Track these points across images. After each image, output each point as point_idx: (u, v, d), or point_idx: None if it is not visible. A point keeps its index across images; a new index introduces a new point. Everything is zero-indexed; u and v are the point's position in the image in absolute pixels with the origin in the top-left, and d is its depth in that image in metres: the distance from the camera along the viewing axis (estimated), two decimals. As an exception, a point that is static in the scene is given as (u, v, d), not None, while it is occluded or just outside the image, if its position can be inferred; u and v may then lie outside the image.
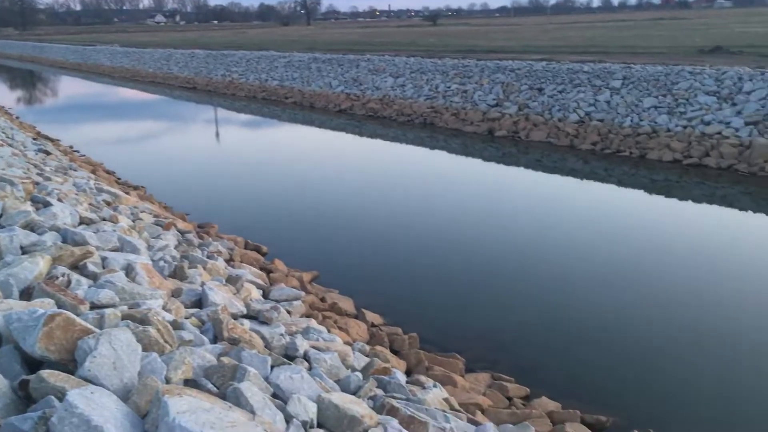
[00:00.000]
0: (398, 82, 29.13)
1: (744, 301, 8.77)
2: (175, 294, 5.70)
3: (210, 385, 3.67)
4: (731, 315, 8.36)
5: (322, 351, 5.04)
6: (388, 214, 13.23)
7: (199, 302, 5.64)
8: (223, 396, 3.44)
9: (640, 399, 6.20)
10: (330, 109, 29.74)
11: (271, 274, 8.62)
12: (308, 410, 3.60)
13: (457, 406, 4.99)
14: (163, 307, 4.88)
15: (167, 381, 3.49)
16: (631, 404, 6.07)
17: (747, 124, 17.29)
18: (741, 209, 14.10)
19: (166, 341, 3.91)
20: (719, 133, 17.49)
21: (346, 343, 6.01)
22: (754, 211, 13.98)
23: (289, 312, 6.62)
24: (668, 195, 15.20)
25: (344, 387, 4.53)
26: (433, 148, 21.48)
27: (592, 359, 7.03)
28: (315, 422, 3.62)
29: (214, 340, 4.66)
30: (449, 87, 26.68)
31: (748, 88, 18.92)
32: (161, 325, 3.99)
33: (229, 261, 8.76)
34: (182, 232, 9.40)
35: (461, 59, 30.54)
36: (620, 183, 16.48)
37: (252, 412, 3.37)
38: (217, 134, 25.67)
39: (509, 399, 5.98)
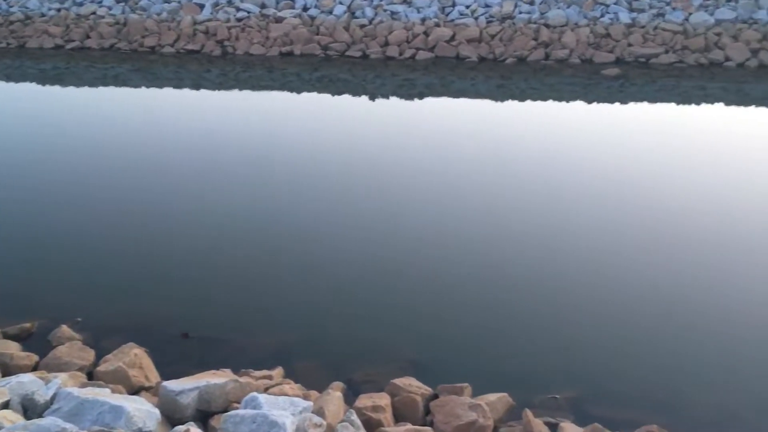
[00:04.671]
0: None
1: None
2: None
3: None
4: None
5: None
6: None
7: None
8: None
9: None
10: None
11: None
12: None
13: None
14: None
15: None
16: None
17: (118, 2, 17.85)
18: (121, 85, 14.85)
19: None
20: (94, 13, 17.69)
21: None
22: (149, 86, 14.95)
23: None
24: (61, 84, 15.05)
25: None
26: None
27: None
28: None
29: None
30: None
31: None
32: None
33: None
34: None
35: None
36: (8, 78, 15.45)
37: None
38: None
39: None
